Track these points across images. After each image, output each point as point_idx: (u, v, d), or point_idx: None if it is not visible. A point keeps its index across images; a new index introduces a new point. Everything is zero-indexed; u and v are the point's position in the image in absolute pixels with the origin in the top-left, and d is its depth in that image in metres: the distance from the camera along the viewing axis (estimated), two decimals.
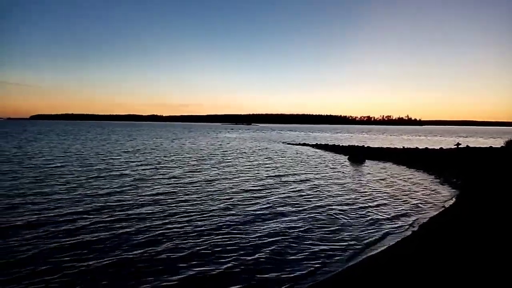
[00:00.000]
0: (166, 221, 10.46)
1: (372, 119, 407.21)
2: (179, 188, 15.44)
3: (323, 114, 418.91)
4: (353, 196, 14.69)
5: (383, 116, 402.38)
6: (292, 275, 7.10)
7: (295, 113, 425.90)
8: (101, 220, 10.40)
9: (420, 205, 13.46)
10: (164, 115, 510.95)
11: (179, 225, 10.10)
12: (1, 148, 33.53)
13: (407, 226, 10.59)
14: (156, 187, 15.60)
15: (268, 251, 8.27)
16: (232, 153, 33.52)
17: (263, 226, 10.24)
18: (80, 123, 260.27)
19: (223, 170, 21.35)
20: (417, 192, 16.01)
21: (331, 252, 8.32)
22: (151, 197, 13.61)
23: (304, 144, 48.76)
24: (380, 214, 11.95)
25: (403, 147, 40.25)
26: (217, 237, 9.17)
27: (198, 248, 8.37)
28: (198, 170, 21.30)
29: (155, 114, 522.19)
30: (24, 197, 12.97)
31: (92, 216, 10.75)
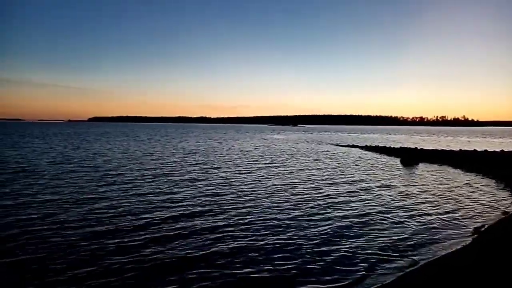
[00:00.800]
0: (224, 218, 10.87)
1: (425, 119, 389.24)
2: (233, 189, 15.87)
3: (372, 115, 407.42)
4: (408, 201, 14.34)
5: (437, 116, 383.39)
6: (341, 283, 7.01)
7: (342, 114, 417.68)
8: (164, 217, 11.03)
9: (479, 211, 12.87)
10: (212, 116, 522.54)
11: (234, 224, 10.45)
12: (67, 150, 36.28)
13: (466, 233, 10.18)
14: (209, 187, 16.15)
15: (322, 254, 8.36)
16: (281, 155, 33.74)
17: (318, 228, 10.32)
18: (134, 124, 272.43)
19: (274, 172, 21.58)
20: (475, 197, 15.33)
21: (386, 258, 8.24)
22: (207, 197, 14.14)
23: (353, 146, 47.97)
24: (437, 220, 11.58)
25: (460, 149, 38.42)
26: (267, 236, 9.40)
27: (249, 247, 8.65)
28: (249, 171, 21.73)
29: (203, 116, 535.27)
30: (89, 195, 14.06)
31: (159, 212, 11.42)
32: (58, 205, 12.27)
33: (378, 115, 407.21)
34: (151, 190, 15.27)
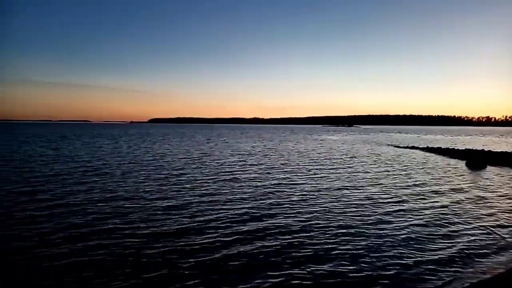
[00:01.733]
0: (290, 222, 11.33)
1: (493, 119, 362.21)
2: (296, 192, 16.15)
3: (433, 114, 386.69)
4: (480, 207, 13.71)
5: (506, 116, 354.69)
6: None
7: (401, 114, 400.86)
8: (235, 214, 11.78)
9: None
10: (265, 117, 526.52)
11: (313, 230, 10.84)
12: (133, 150, 38.82)
13: None
14: (272, 189, 16.62)
15: (395, 258, 8.43)
16: (340, 156, 33.45)
17: (392, 233, 10.28)
18: (190, 125, 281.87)
19: (336, 174, 21.56)
20: None
21: (458, 266, 8.20)
22: (273, 199, 14.64)
23: (413, 148, 46.25)
24: (509, 233, 10.74)
25: None
26: (340, 240, 9.62)
27: (325, 251, 9.00)
28: (310, 173, 21.93)
29: (257, 116, 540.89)
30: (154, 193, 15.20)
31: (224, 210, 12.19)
32: (130, 204, 13.20)
33: (439, 115, 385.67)
34: (218, 190, 15.98)
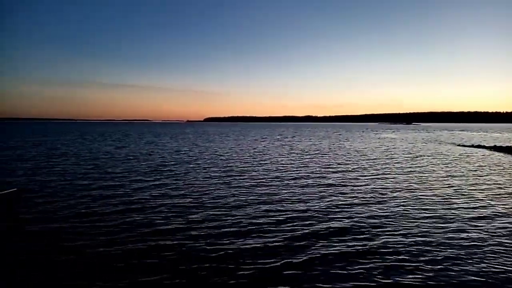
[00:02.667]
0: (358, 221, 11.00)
1: None
2: (360, 192, 15.69)
3: (501, 111, 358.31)
4: None
5: None
6: None
7: (465, 110, 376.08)
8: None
9: None
10: (318, 115, 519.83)
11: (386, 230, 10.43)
12: (194, 147, 40.47)
13: None
14: (336, 189, 16.27)
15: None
16: (400, 156, 32.27)
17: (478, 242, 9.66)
18: (244, 124, 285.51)
19: (399, 174, 20.67)
20: None
21: None
22: (338, 200, 14.32)
23: (479, 146, 43.50)
24: None
25: None
26: (419, 250, 9.12)
27: (392, 249, 8.61)
28: (370, 172, 21.19)
29: (309, 115, 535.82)
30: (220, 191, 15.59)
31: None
32: (195, 202, 13.68)
33: (509, 111, 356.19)
34: (282, 190, 16.00)
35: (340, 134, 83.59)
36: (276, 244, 9.00)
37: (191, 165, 23.95)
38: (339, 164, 25.51)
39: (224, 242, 9.11)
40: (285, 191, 15.48)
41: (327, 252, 8.51)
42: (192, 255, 8.28)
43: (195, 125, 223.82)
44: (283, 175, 19.85)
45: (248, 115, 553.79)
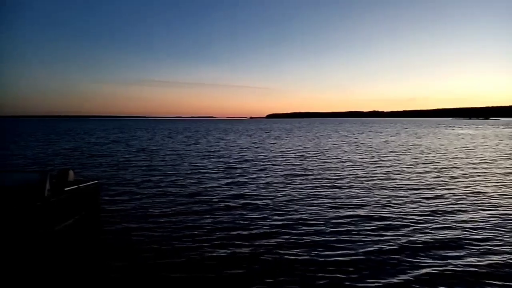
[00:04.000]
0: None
1: None
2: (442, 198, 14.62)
3: None
4: None
5: None
6: None
7: None
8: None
9: None
10: (385, 110, 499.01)
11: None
12: (268, 144, 41.04)
13: None
14: (417, 191, 15.53)
15: None
16: (488, 154, 29.92)
17: None
18: (307, 120, 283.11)
19: (494, 176, 19.09)
20: None
21: None
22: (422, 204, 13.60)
23: None
24: None
25: None
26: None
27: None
28: (457, 172, 19.79)
29: (376, 110, 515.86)
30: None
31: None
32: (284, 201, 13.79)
33: None
34: (358, 191, 15.52)
35: (409, 130, 79.46)
36: (369, 257, 8.11)
37: (264, 163, 24.10)
38: (417, 162, 24.22)
39: (320, 252, 8.19)
40: (367, 194, 14.35)
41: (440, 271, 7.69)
42: (286, 263, 7.63)
43: (258, 122, 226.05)
44: (360, 175, 18.84)
45: (310, 111, 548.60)
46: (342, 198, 13.44)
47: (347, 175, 18.80)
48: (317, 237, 9.17)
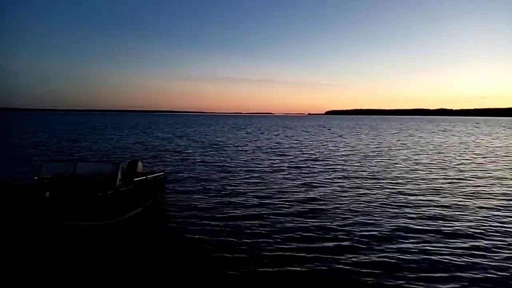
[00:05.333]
0: None
1: None
2: None
3: None
4: None
5: None
6: None
7: None
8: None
9: None
10: (454, 108, 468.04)
11: None
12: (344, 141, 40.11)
13: None
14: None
15: None
16: None
17: None
18: (368, 117, 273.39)
19: None
20: None
21: None
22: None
23: None
24: None
25: None
26: None
27: None
28: None
29: (443, 108, 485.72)
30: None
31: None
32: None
33: None
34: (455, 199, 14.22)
35: (475, 129, 73.29)
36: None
37: (331, 163, 23.26)
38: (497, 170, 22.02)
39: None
40: (457, 203, 12.79)
41: None
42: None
43: (317, 118, 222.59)
44: (443, 181, 16.70)
45: (372, 108, 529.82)
46: (425, 207, 11.60)
47: (428, 180, 16.62)
48: (406, 258, 7.54)
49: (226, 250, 7.85)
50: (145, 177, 11.04)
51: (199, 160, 22.31)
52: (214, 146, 31.93)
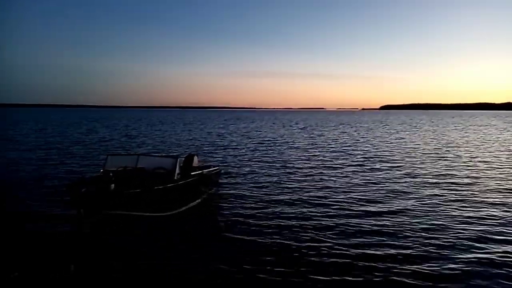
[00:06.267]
0: None
1: None
2: None
3: None
4: None
5: None
6: None
7: None
8: None
9: None
10: None
11: None
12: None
13: None
14: None
15: None
16: None
17: None
18: (428, 112, 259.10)
19: None
20: None
21: None
22: None
23: None
24: None
25: None
26: None
27: None
28: None
29: (510, 101, 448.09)
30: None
31: None
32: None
33: None
34: None
35: None
36: None
37: (393, 162, 21.87)
38: None
39: None
40: None
41: None
42: None
43: (371, 114, 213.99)
44: None
45: (431, 103, 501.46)
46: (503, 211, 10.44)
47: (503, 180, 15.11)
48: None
49: (265, 248, 7.79)
50: (201, 171, 11.37)
51: (252, 156, 22.58)
52: (267, 142, 32.05)
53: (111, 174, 8.83)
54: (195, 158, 12.38)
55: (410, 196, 12.32)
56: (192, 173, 10.75)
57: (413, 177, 15.79)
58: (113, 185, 8.24)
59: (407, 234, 8.62)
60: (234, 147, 28.04)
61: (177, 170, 10.02)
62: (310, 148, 27.41)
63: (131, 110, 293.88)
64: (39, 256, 7.06)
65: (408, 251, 7.58)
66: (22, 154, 21.68)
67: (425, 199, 11.85)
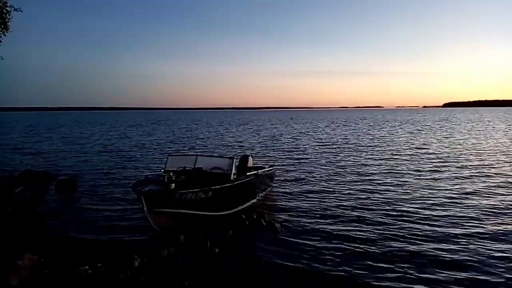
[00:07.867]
0: None
1: None
2: None
3: None
4: None
5: None
6: None
7: None
8: None
9: None
10: None
11: None
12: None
13: None
14: None
15: None
16: None
17: None
18: (497, 109, 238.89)
19: None
20: None
21: None
22: None
23: None
24: None
25: None
26: None
27: None
28: None
29: None
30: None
31: None
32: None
33: None
34: None
35: None
36: None
37: (463, 167, 20.18)
38: None
39: None
40: None
41: None
42: None
43: (434, 112, 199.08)
44: None
45: (499, 98, 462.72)
46: None
47: None
48: None
49: (320, 251, 7.75)
50: (256, 171, 11.54)
51: (308, 157, 22.37)
52: (325, 143, 31.54)
53: (171, 173, 9.24)
54: (250, 159, 12.60)
55: (476, 202, 11.63)
56: (248, 173, 10.95)
57: (481, 179, 14.80)
58: (173, 184, 8.63)
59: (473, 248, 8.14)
60: (290, 148, 27.93)
61: (234, 170, 10.26)
62: (370, 149, 26.23)
63: (194, 112, 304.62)
64: (106, 249, 7.63)
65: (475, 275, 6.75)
66: (96, 154, 23.81)
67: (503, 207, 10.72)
